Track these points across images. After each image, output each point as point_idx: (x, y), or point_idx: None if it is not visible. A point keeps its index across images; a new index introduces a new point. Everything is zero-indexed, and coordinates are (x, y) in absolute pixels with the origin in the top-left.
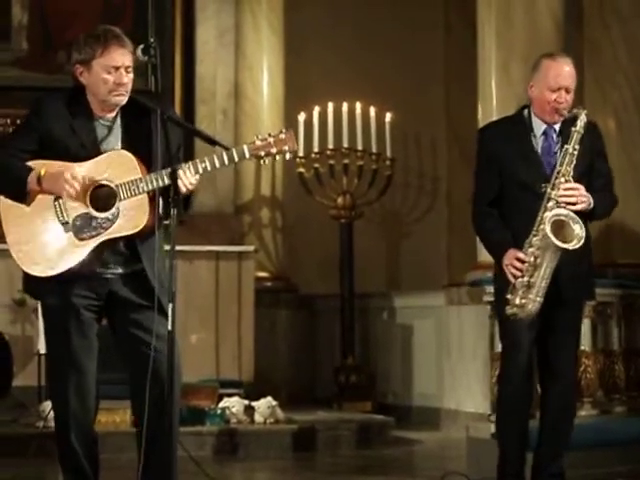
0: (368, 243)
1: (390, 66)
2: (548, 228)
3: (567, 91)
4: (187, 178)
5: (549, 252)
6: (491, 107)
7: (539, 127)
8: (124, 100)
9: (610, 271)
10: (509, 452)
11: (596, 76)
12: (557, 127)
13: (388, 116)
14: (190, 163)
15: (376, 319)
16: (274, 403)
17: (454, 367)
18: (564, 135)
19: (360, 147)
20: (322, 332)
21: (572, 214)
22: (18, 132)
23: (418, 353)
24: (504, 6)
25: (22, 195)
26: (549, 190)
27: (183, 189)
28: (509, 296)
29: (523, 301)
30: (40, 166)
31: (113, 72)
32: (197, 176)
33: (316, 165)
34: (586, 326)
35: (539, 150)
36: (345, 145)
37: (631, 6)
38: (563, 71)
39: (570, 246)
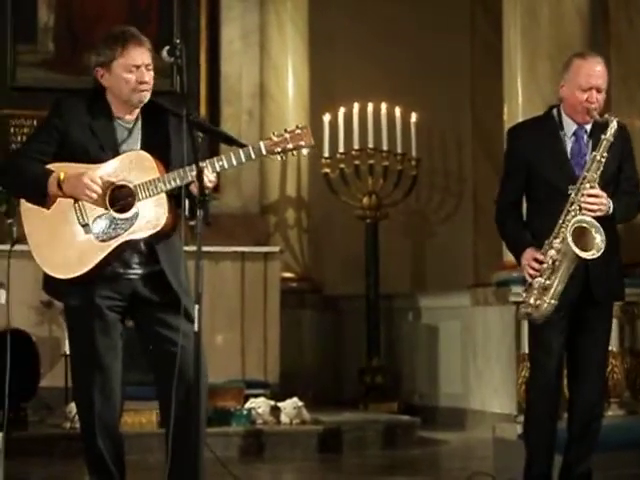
0: (393, 243)
1: (416, 66)
2: (569, 235)
3: (598, 91)
4: (205, 176)
5: (568, 258)
6: (517, 106)
7: (570, 127)
8: (147, 96)
9: (637, 270)
10: (536, 453)
11: (622, 74)
12: (588, 128)
13: (413, 116)
14: (207, 162)
15: (401, 320)
16: (300, 404)
17: (480, 367)
18: (595, 138)
19: (385, 147)
20: (347, 333)
21: (595, 223)
22: (38, 134)
23: (444, 353)
24: (530, 4)
25: (42, 199)
26: (573, 195)
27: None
28: (524, 294)
29: (538, 302)
30: (59, 168)
31: (135, 71)
32: (215, 174)
33: (341, 165)
34: (613, 326)
35: (569, 151)
36: (370, 145)
37: None
38: (594, 71)
39: (588, 255)
